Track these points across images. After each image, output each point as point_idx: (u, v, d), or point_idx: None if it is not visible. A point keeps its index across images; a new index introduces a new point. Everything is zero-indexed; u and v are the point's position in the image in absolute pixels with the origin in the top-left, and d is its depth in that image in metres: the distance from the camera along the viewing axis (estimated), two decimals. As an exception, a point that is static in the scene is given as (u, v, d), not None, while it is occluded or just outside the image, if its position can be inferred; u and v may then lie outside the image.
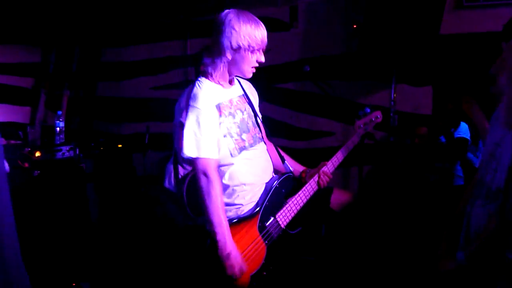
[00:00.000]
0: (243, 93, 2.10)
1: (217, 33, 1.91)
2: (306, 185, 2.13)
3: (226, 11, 1.94)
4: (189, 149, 1.88)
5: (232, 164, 1.95)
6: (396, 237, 3.34)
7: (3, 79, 4.61)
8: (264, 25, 1.98)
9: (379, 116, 2.39)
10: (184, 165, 3.17)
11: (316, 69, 3.83)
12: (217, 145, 1.91)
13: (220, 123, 1.93)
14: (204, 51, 2.03)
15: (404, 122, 3.98)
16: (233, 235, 1.87)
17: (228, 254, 1.81)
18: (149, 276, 3.24)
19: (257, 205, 2.02)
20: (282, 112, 4.40)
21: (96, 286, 3.18)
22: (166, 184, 3.31)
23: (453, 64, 3.89)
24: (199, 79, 1.98)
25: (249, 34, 1.88)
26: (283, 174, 2.13)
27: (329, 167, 2.20)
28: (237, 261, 1.82)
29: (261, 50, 1.95)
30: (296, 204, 2.08)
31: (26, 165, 3.30)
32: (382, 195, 3.80)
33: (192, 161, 1.90)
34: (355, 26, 4.04)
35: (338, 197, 2.33)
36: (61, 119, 3.74)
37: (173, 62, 4.83)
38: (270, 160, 2.15)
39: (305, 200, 2.11)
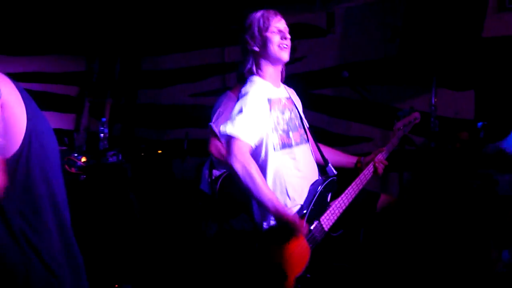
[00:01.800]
0: (289, 96, 2.19)
1: (243, 33, 2.10)
2: (356, 180, 2.18)
3: (250, 14, 2.13)
4: (230, 127, 1.91)
5: (274, 159, 1.99)
6: (438, 245, 3.27)
7: (49, 88, 4.83)
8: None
9: (417, 117, 2.40)
10: (218, 167, 3.24)
11: (354, 74, 3.83)
12: (256, 133, 1.94)
13: (270, 116, 2.00)
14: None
15: (445, 127, 3.90)
16: (279, 239, 1.90)
17: (286, 223, 1.85)
18: (189, 279, 3.29)
19: (302, 208, 2.04)
20: (319, 118, 4.40)
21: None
22: (201, 186, 3.39)
23: (495, 67, 3.78)
24: (250, 77, 2.08)
25: (260, 18, 2.07)
26: (328, 177, 2.14)
27: (383, 155, 2.32)
28: (297, 226, 1.86)
29: (282, 31, 2.06)
30: (339, 207, 2.10)
31: (73, 170, 3.44)
32: (423, 202, 3.72)
33: (227, 142, 1.92)
34: (393, 31, 4.01)
35: (383, 203, 2.33)
36: (105, 126, 3.89)
37: (211, 70, 4.92)
38: (314, 161, 2.18)
39: (350, 200, 2.13)
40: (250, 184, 1.83)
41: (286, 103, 2.12)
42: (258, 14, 2.09)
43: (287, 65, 2.18)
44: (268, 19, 2.06)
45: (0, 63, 4.34)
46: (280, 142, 2.01)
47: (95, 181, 3.52)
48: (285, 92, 2.19)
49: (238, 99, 2.01)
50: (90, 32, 4.81)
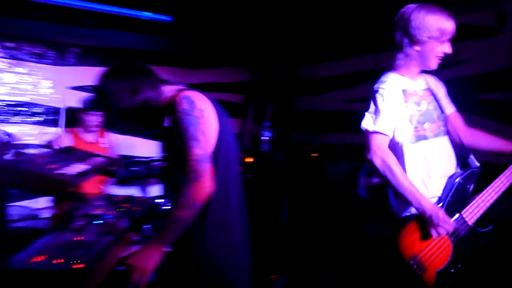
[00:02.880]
0: (428, 87, 2.09)
1: (396, 29, 1.97)
2: (506, 171, 2.01)
3: (407, 6, 1.96)
4: (367, 122, 1.92)
5: (409, 152, 1.95)
6: None
7: (221, 96, 5.47)
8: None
9: None
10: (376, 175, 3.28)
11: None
12: (392, 125, 1.91)
13: (405, 108, 1.95)
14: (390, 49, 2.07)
15: None
16: (416, 230, 1.90)
17: (430, 216, 1.83)
18: (340, 274, 3.39)
19: (439, 200, 1.97)
20: (486, 124, 4.02)
21: (293, 280, 3.48)
22: (358, 191, 3.48)
23: None
24: (387, 73, 2.02)
25: (427, 24, 1.87)
26: (468, 169, 2.02)
27: None
28: (441, 219, 1.83)
29: (445, 41, 1.91)
30: (485, 200, 1.96)
31: (242, 168, 3.86)
32: None
33: (366, 137, 1.92)
34: None
35: None
36: (267, 130, 4.25)
37: (364, 76, 4.97)
38: (453, 154, 2.07)
39: (498, 193, 1.98)
40: (390, 177, 1.84)
41: (423, 94, 2.03)
42: (419, 9, 1.90)
43: (449, 68, 2.08)
44: (432, 17, 1.87)
45: (185, 75, 5.12)
46: (416, 134, 1.94)
47: (259, 180, 3.87)
48: (423, 84, 2.07)
49: (373, 95, 1.95)
50: (255, 47, 5.34)
